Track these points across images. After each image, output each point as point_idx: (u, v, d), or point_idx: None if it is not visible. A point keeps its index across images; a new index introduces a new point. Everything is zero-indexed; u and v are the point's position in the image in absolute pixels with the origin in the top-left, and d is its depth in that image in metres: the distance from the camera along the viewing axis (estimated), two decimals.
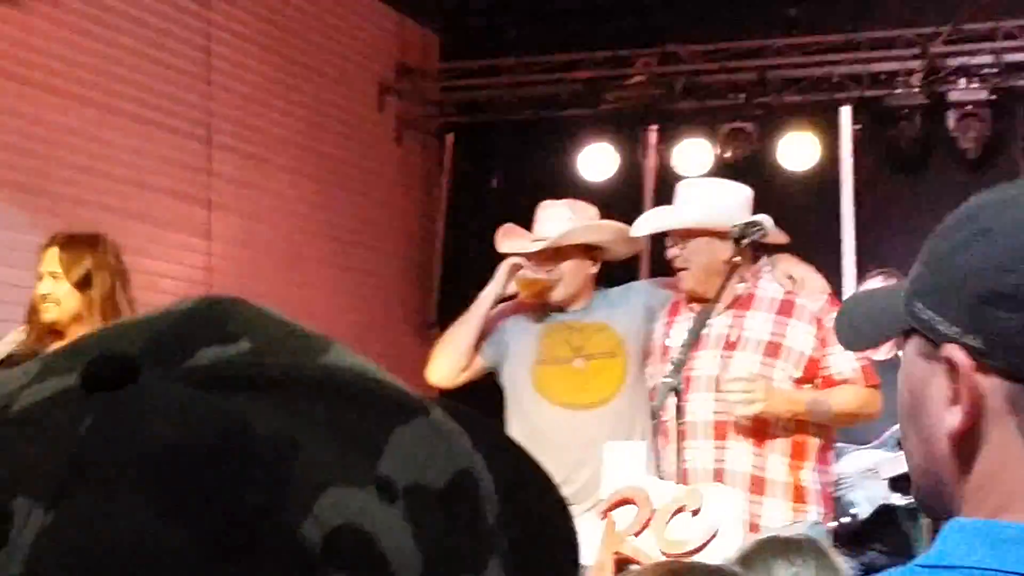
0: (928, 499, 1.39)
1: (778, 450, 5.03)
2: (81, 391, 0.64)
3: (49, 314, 5.08)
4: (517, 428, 5.38)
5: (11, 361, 5.00)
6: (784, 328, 5.07)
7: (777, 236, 5.28)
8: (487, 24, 10.13)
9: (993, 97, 9.13)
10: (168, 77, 8.11)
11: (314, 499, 0.61)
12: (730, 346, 5.10)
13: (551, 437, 5.28)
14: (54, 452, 0.62)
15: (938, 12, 9.29)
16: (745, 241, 5.00)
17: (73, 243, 5.16)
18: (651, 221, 5.45)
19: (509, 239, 5.62)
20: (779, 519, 5.00)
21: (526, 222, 5.70)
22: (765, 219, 5.11)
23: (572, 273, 5.46)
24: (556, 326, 5.50)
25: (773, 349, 5.05)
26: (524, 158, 10.06)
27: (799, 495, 5.05)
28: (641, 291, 5.61)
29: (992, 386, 1.28)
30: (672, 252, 5.21)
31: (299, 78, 9.22)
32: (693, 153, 9.53)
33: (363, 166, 9.94)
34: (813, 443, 5.09)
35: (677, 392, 4.76)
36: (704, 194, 5.29)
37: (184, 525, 0.60)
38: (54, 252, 5.14)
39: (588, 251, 5.49)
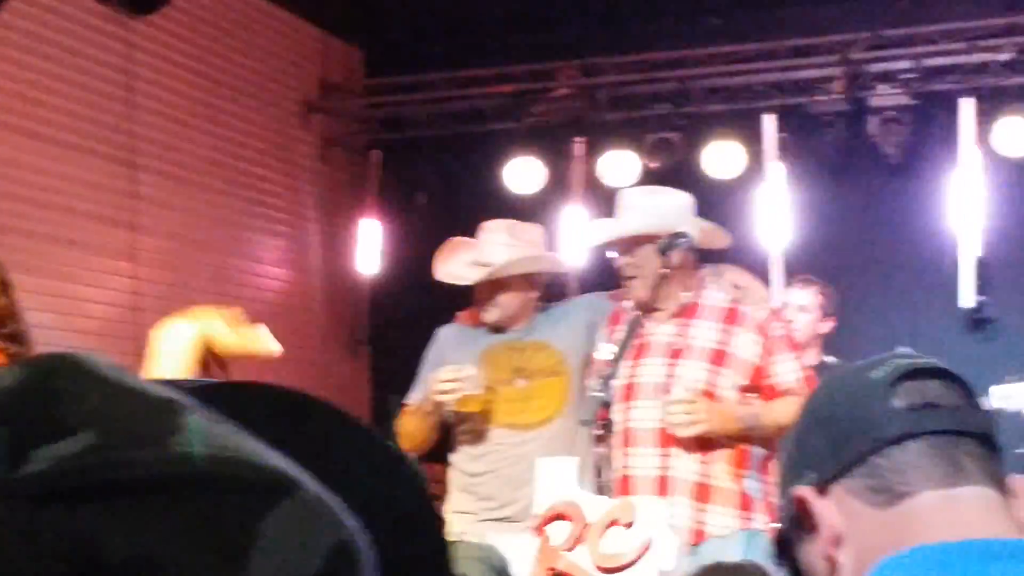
0: None
1: (722, 458, 5.05)
2: None
3: None
4: (465, 451, 5.40)
5: None
6: (730, 337, 5.10)
7: (716, 237, 5.31)
8: (410, 39, 10.12)
9: (914, 102, 9.21)
10: (90, 100, 8.05)
11: None
12: (675, 354, 5.11)
13: (496, 458, 5.31)
14: None
15: (857, 19, 9.36)
16: (671, 253, 5.01)
17: None
18: (598, 232, 5.44)
19: (448, 260, 5.56)
20: (725, 526, 5.02)
21: (454, 236, 5.68)
22: (692, 228, 5.13)
23: (509, 302, 5.44)
24: (497, 348, 5.47)
25: (719, 357, 5.07)
26: (450, 173, 10.06)
27: (744, 503, 5.07)
28: (582, 306, 5.59)
29: (835, 498, 1.48)
30: (620, 262, 5.21)
31: (222, 98, 9.17)
32: (619, 164, 9.56)
33: (289, 184, 9.91)
34: (757, 452, 5.12)
35: (607, 405, 4.76)
36: (646, 202, 5.29)
37: None
38: None
39: (528, 278, 5.47)
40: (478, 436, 5.42)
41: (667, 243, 5.01)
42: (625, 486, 4.97)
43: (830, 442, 1.49)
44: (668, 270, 5.03)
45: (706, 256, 5.39)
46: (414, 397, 5.49)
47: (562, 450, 5.20)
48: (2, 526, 0.55)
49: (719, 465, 5.05)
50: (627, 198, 5.38)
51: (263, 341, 4.90)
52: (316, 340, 10.05)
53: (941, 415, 1.46)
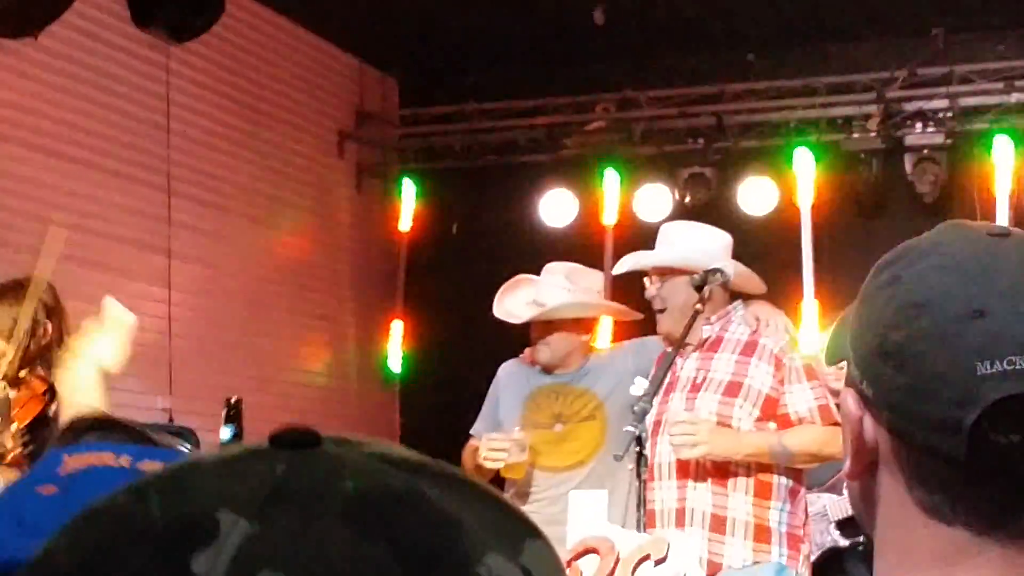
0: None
1: (741, 489, 5.04)
2: (271, 448, 0.73)
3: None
4: (509, 490, 5.52)
5: None
6: (746, 368, 5.10)
7: (750, 282, 5.32)
8: (446, 70, 10.15)
9: (949, 141, 9.20)
10: (127, 126, 8.09)
11: (483, 554, 0.71)
12: (695, 388, 5.12)
13: (534, 499, 5.46)
14: (254, 482, 0.71)
15: (894, 57, 9.36)
16: (706, 288, 5.02)
17: None
18: (631, 261, 5.48)
19: (507, 297, 5.70)
20: (739, 559, 5.01)
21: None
22: (728, 265, 5.13)
23: (559, 342, 5.59)
24: (543, 391, 5.64)
25: (733, 388, 5.07)
26: (484, 204, 10.07)
27: (761, 535, 5.05)
28: (630, 351, 5.71)
29: (880, 437, 1.29)
30: (650, 292, 5.25)
31: (258, 125, 9.21)
32: (653, 198, 9.57)
33: (323, 213, 9.93)
34: (780, 482, 5.10)
35: (640, 440, 4.76)
36: (684, 236, 5.34)
37: (382, 543, 0.69)
38: None
39: (579, 323, 5.63)
40: (519, 478, 5.56)
41: (702, 278, 5.02)
42: (646, 521, 4.99)
43: (906, 380, 1.25)
44: (701, 305, 5.03)
45: (737, 294, 5.40)
46: (477, 428, 5.67)
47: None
48: (356, 463, 0.73)
49: (737, 496, 5.04)
50: (665, 231, 5.42)
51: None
52: (347, 370, 10.05)
53: None
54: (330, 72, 10.05)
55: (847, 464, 1.32)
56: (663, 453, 5.07)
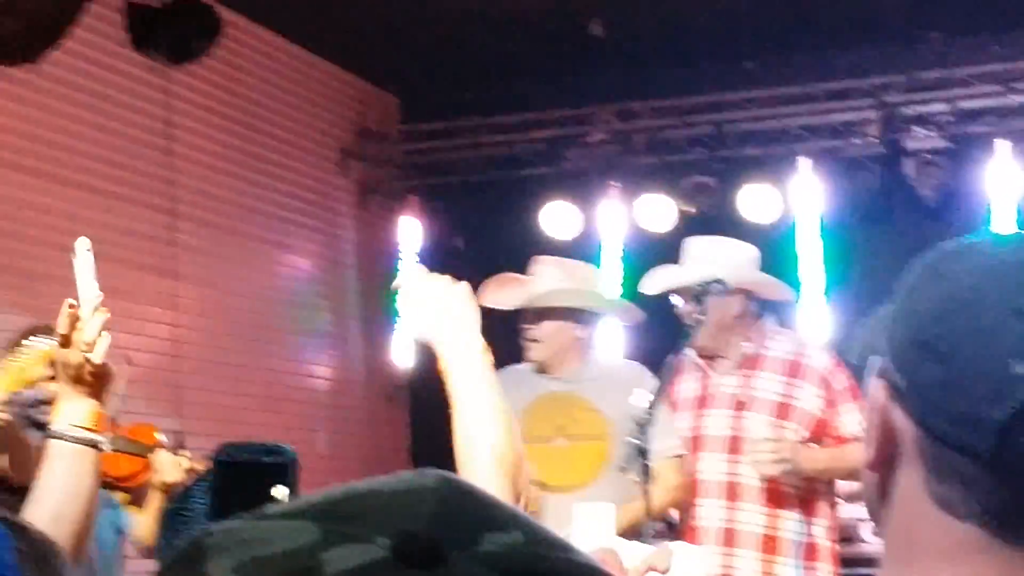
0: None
1: (790, 508, 5.06)
2: (396, 565, 0.72)
3: None
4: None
5: None
6: (793, 389, 5.10)
7: (777, 290, 5.32)
8: (446, 86, 10.17)
9: (950, 145, 9.20)
10: (129, 149, 8.12)
11: None
12: (740, 406, 5.12)
13: (535, 517, 5.29)
14: None
15: (892, 62, 9.37)
16: (707, 298, 5.01)
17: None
18: (659, 279, 5.41)
19: (496, 292, 5.44)
20: None
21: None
22: (752, 279, 5.15)
23: (552, 335, 5.31)
24: (542, 400, 5.33)
25: (783, 410, 5.08)
26: (488, 218, 10.08)
27: (810, 553, 5.08)
28: (645, 379, 5.27)
29: (906, 429, 1.29)
30: (684, 308, 5.21)
31: (260, 146, 9.24)
32: (656, 208, 9.58)
33: (327, 231, 9.96)
34: (824, 500, 5.12)
35: (643, 452, 4.76)
36: (712, 251, 5.30)
37: None
38: None
39: (573, 314, 5.31)
40: None
41: (700, 290, 5.02)
42: (692, 537, 4.99)
43: (940, 373, 1.25)
44: (701, 315, 5.03)
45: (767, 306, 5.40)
46: None
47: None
48: None
49: (787, 515, 5.05)
50: (691, 247, 5.38)
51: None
52: (355, 388, 10.07)
53: None
54: (330, 90, 10.08)
55: (868, 453, 1.32)
56: (710, 471, 5.07)
